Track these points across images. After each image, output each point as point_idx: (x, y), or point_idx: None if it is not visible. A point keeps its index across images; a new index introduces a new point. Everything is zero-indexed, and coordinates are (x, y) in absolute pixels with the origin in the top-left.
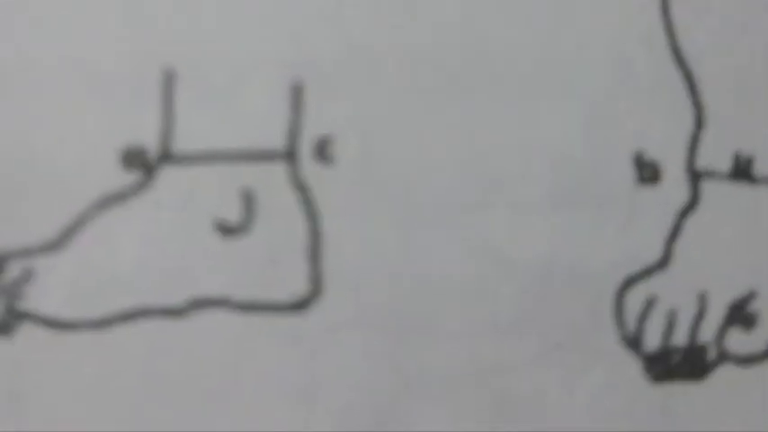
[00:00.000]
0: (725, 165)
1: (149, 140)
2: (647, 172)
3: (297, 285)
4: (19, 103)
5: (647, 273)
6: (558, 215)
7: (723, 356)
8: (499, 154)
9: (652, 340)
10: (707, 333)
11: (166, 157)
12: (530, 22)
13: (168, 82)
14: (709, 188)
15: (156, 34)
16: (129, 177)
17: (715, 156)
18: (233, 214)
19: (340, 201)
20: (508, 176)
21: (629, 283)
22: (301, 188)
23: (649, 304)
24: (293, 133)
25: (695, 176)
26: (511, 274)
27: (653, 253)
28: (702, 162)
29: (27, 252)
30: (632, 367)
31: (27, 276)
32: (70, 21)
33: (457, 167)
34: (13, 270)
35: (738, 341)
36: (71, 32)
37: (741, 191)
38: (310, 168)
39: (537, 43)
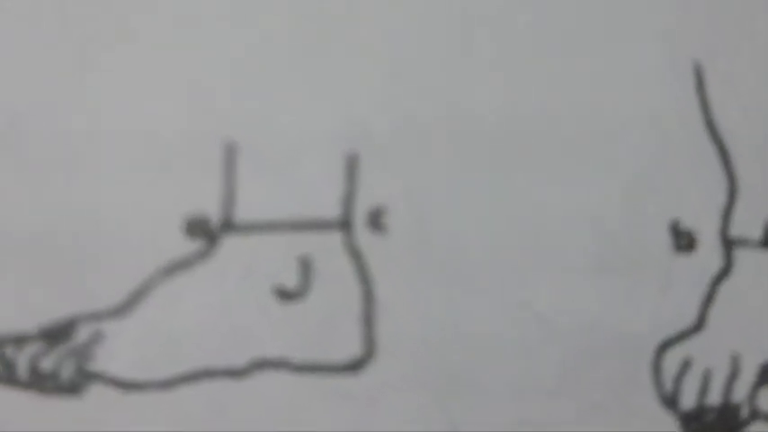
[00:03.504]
0: (757, 233)
1: (212, 210)
2: (683, 240)
3: (351, 347)
4: (88, 174)
5: (684, 336)
6: (598, 281)
7: (755, 415)
8: (543, 222)
9: (688, 400)
10: (740, 393)
11: (228, 226)
12: (572, 98)
13: (230, 155)
14: (741, 255)
15: (219, 110)
16: (192, 245)
17: (747, 224)
18: (291, 280)
19: (392, 267)
20: (551, 244)
21: (666, 345)
22: (356, 255)
23: (685, 366)
24: (348, 203)
25: (729, 244)
26: (554, 337)
27: (689, 317)
28: (735, 231)
29: (96, 316)
30: (669, 425)
31: (96, 339)
32: (137, 96)
33: (503, 236)
34: (84, 333)
35: None
36: (138, 107)
37: None
38: (364, 237)
39: (579, 119)
